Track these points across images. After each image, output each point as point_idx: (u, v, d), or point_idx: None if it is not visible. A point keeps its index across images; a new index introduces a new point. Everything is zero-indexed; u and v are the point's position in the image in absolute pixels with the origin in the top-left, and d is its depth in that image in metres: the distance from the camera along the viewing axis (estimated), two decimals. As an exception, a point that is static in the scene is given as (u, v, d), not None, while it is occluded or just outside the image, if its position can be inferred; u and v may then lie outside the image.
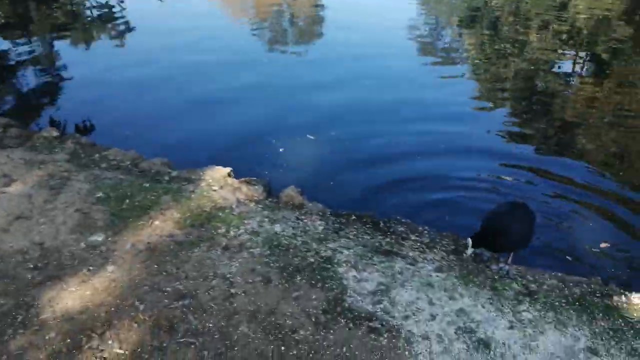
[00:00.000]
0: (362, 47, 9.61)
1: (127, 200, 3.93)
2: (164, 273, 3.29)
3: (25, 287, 3.07)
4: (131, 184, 4.18)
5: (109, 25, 10.43)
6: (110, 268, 3.26)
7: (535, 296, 3.29)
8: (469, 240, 3.44)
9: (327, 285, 3.29)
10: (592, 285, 3.46)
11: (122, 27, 10.25)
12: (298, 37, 10.85)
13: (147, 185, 4.19)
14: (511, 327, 3.03)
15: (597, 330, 3.04)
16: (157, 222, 3.73)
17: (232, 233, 3.69)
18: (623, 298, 3.35)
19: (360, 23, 11.53)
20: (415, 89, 7.86)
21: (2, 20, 10.41)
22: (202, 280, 3.25)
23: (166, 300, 3.07)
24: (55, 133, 5.17)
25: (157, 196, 4.02)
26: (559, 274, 3.59)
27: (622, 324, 3.10)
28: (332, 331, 2.95)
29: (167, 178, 4.44)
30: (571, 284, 3.45)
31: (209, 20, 11.20)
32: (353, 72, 8.33)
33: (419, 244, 3.95)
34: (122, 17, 10.92)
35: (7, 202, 3.82)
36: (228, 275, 3.30)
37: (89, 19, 11.02)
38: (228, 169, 4.58)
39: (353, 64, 8.74)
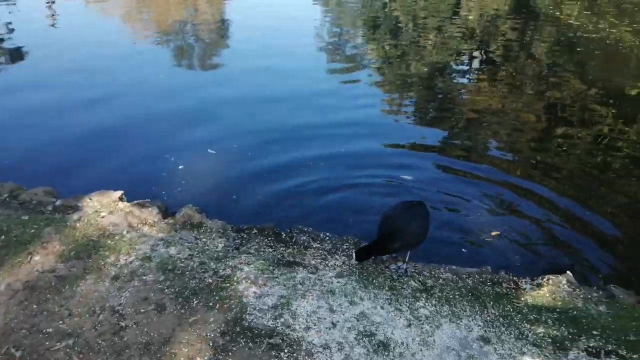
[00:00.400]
0: (265, 57, 9.59)
1: (3, 237, 3.61)
2: (45, 312, 3.04)
3: None
4: (8, 217, 3.84)
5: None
6: (-20, 314, 2.97)
7: (431, 291, 3.37)
8: (354, 254, 3.48)
9: (225, 306, 3.18)
10: (483, 275, 3.60)
11: (8, 56, 9.55)
12: (199, 51, 10.62)
13: (27, 217, 3.87)
14: (409, 325, 3.07)
15: (488, 318, 3.15)
16: (37, 258, 3.44)
17: (122, 261, 3.49)
18: (511, 284, 3.51)
19: (264, 33, 11.53)
20: (317, 94, 7.94)
21: None
22: (88, 316, 3.04)
23: (47, 343, 2.84)
24: None
25: (38, 229, 3.72)
26: (454, 267, 3.70)
27: (511, 310, 3.24)
28: (231, 353, 2.85)
29: (50, 208, 4.14)
30: (464, 276, 3.57)
31: (104, 37, 10.73)
32: (256, 82, 8.30)
33: (320, 252, 3.93)
34: (10, 44, 10.16)
35: None
36: (117, 308, 3.10)
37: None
38: (119, 193, 4.34)
39: (255, 74, 8.68)
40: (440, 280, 3.51)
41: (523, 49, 10.79)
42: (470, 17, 13.81)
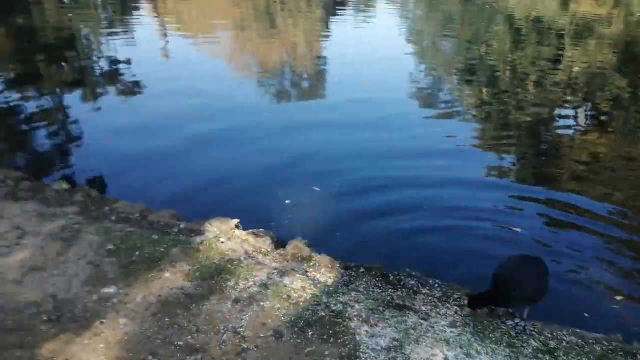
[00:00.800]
0: (362, 98, 9.76)
1: (137, 253, 3.90)
2: (176, 326, 3.23)
3: (41, 340, 3.03)
4: (140, 236, 4.15)
5: (117, 83, 10.63)
6: (122, 321, 3.21)
7: (555, 354, 3.21)
8: (467, 301, 3.41)
9: (339, 341, 3.22)
10: (613, 343, 3.38)
11: (129, 84, 10.46)
12: (299, 91, 11.06)
13: (156, 237, 4.16)
14: (532, 386, 2.94)
15: (621, 390, 2.95)
16: (167, 275, 3.68)
17: (241, 286, 3.64)
18: (646, 356, 3.27)
19: (360, 76, 11.78)
20: (418, 137, 7.92)
21: (13, 75, 10.61)
22: (213, 334, 3.19)
23: (179, 355, 3.01)
24: (65, 186, 5.19)
25: (167, 248, 3.98)
26: (578, 331, 3.50)
27: (647, 384, 3.01)
28: (347, 390, 2.86)
29: (175, 230, 4.42)
30: (591, 341, 3.37)
31: (214, 75, 11.43)
32: (355, 122, 8.44)
33: (430, 298, 3.89)
34: (129, 74, 11.13)
35: (21, 254, 3.80)
36: (239, 330, 3.23)
37: (97, 76, 11.23)
38: (236, 221, 4.56)
39: (355, 114, 8.85)
40: (564, 343, 3.34)
41: (634, 104, 10.27)
42: (574, 68, 13.38)
